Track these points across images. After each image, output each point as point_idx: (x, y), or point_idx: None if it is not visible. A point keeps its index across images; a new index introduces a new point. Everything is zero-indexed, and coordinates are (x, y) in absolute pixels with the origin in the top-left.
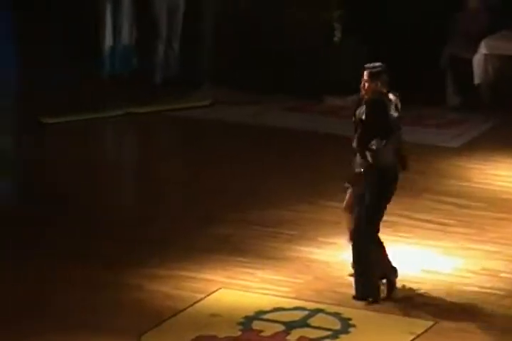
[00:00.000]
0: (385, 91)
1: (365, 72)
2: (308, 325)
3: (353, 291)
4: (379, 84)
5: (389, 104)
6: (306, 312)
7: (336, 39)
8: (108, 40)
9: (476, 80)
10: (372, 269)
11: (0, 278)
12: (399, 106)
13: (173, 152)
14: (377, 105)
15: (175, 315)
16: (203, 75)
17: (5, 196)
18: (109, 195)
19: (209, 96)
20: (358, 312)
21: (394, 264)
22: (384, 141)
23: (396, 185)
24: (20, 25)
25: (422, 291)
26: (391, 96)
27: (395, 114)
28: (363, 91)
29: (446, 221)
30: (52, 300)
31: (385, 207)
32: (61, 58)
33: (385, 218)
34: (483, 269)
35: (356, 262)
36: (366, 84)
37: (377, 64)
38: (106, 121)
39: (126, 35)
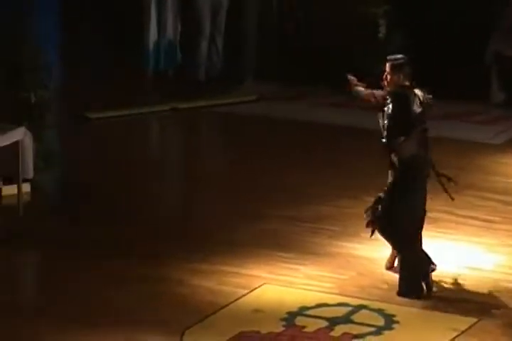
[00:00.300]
0: (407, 84)
1: (388, 64)
2: (351, 321)
3: (397, 287)
4: (401, 76)
5: (412, 98)
6: (350, 308)
7: (380, 35)
8: (153, 36)
9: None
10: (416, 265)
11: (50, 277)
12: (425, 100)
13: (217, 147)
14: (399, 98)
15: (218, 310)
16: (247, 71)
17: (50, 191)
18: (153, 190)
19: (254, 91)
20: (401, 309)
21: (433, 260)
22: (402, 138)
23: (425, 179)
24: (66, 22)
25: (465, 288)
26: (416, 90)
27: (418, 109)
28: (385, 84)
29: (490, 217)
30: (97, 295)
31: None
32: (106, 54)
33: (426, 214)
34: None
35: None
36: (388, 77)
37: (400, 56)
38: (150, 117)
39: (171, 31)
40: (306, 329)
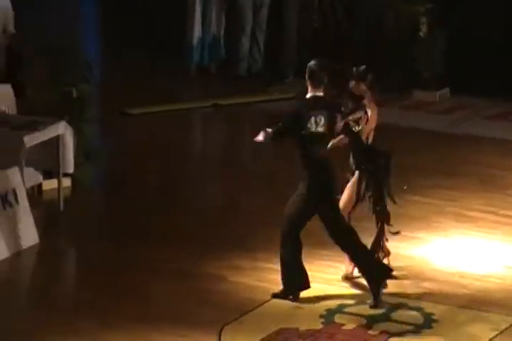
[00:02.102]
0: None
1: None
2: (390, 319)
3: (436, 286)
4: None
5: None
6: (389, 307)
7: (422, 33)
8: (197, 32)
9: None
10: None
11: (92, 271)
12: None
13: (257, 144)
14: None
15: (257, 307)
16: (288, 68)
17: (90, 186)
18: (194, 185)
19: (294, 88)
20: (440, 307)
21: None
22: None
23: None
24: (108, 17)
25: (504, 287)
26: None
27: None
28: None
29: None
30: (138, 290)
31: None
32: (149, 49)
33: (468, 213)
34: None
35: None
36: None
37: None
38: (191, 113)
39: (215, 27)
40: (344, 327)
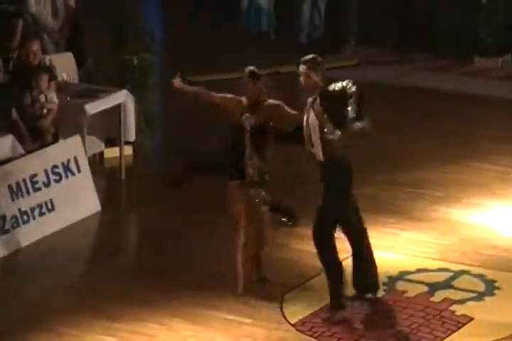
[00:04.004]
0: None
1: (304, 65)
2: (452, 287)
3: (498, 253)
4: (319, 75)
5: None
6: (451, 274)
7: (483, 1)
8: None
9: None
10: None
11: (153, 239)
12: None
13: None
14: (332, 95)
15: (320, 274)
16: (349, 35)
17: (151, 154)
18: None
19: (355, 56)
20: (502, 274)
21: None
22: (339, 132)
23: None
24: None
25: None
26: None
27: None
28: (305, 85)
29: None
30: (200, 257)
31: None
32: (205, 18)
33: None
34: None
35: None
36: (308, 77)
37: (313, 55)
38: None
39: None
40: (406, 294)
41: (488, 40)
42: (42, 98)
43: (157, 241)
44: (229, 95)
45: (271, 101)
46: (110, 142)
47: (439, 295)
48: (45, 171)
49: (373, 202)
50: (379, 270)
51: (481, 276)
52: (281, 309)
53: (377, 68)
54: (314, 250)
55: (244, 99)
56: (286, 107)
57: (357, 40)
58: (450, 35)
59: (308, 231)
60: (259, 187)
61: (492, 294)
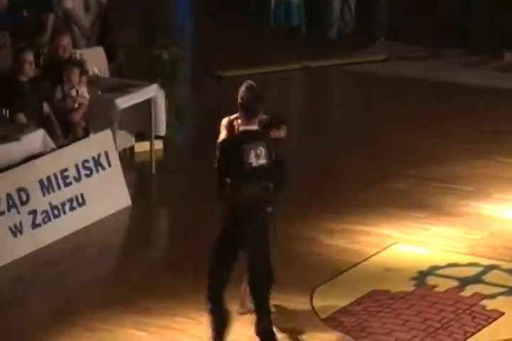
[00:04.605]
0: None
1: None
2: (482, 282)
3: None
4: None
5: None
6: (481, 269)
7: None
8: None
9: None
10: None
11: (182, 233)
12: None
13: (346, 106)
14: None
15: (348, 269)
16: (379, 31)
17: (181, 148)
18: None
19: (384, 51)
20: None
21: None
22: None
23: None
24: None
25: None
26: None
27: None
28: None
29: None
30: None
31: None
32: (234, 12)
33: None
34: None
35: None
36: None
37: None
38: (281, 75)
39: None
40: (436, 289)
41: None
42: (73, 92)
43: (187, 235)
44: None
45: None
46: (140, 136)
47: (469, 290)
48: (76, 166)
49: (404, 197)
50: (410, 264)
51: (511, 271)
52: (311, 304)
53: (408, 63)
54: (343, 244)
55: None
56: None
57: (387, 35)
58: (481, 30)
59: (335, 225)
60: None
61: None
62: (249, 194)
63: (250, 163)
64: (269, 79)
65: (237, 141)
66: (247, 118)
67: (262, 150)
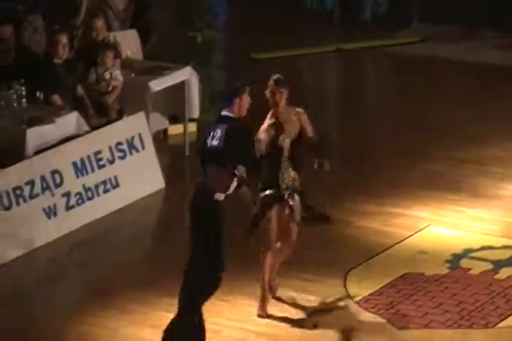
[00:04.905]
0: None
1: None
2: None
3: None
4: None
5: None
6: None
7: None
8: None
9: None
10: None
11: None
12: None
13: (380, 87)
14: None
15: (383, 251)
16: (413, 13)
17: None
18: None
19: (418, 32)
20: None
21: None
22: None
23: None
24: None
25: None
26: None
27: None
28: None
29: None
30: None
31: None
32: None
33: None
34: None
35: None
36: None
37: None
38: (315, 57)
39: None
40: (470, 272)
41: None
42: (107, 75)
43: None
44: (261, 135)
45: (297, 108)
46: (174, 119)
47: (503, 273)
48: (110, 148)
49: (439, 179)
50: (444, 247)
51: None
52: (345, 286)
53: (442, 45)
54: (378, 227)
55: (270, 119)
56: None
57: (422, 17)
58: None
59: (370, 208)
60: (293, 195)
61: None
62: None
63: (206, 144)
64: (304, 61)
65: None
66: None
67: (217, 132)
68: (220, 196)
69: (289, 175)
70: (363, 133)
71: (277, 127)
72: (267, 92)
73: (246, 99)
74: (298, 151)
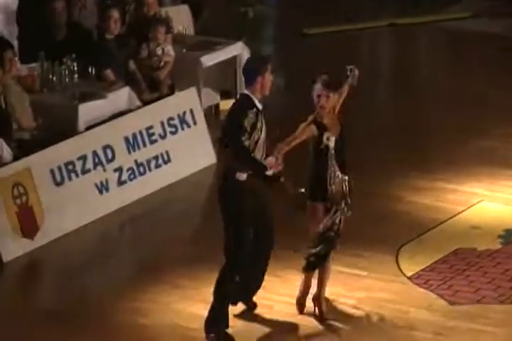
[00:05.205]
0: None
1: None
2: None
3: None
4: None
5: None
6: None
7: None
8: None
9: None
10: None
11: None
12: None
13: (434, 62)
14: None
15: (435, 226)
16: None
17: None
18: (370, 106)
19: (471, 7)
20: None
21: None
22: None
23: None
24: None
25: None
26: None
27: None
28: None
29: None
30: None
31: None
32: None
33: None
34: None
35: None
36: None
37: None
38: (367, 32)
39: None
40: None
41: None
42: (159, 50)
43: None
44: (301, 129)
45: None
46: (226, 94)
47: None
48: (161, 123)
49: (491, 155)
50: (496, 222)
51: None
52: (397, 262)
53: (495, 20)
54: (430, 202)
55: (315, 116)
56: None
57: None
58: None
59: (422, 183)
60: (344, 199)
61: None
62: None
63: None
64: (357, 36)
65: None
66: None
67: None
68: (241, 175)
69: (338, 180)
70: (417, 108)
71: (320, 125)
72: (313, 93)
73: (268, 78)
74: (345, 153)
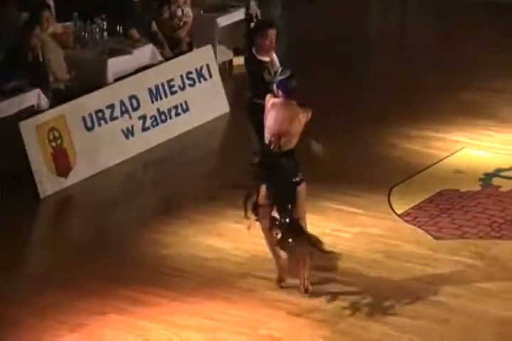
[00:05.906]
0: None
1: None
2: None
3: None
4: None
5: None
6: None
7: None
8: None
9: None
10: None
11: None
12: None
13: (423, 26)
14: None
15: (423, 170)
16: None
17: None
18: (370, 65)
19: None
20: None
21: None
22: None
23: None
24: None
25: None
26: None
27: None
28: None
29: None
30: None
31: None
32: None
33: None
34: None
35: None
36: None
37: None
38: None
39: None
40: (501, 189)
41: None
42: (179, 12)
43: None
44: None
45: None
46: (238, 51)
47: None
48: (181, 76)
49: (473, 108)
50: (477, 167)
51: None
52: (389, 201)
53: None
54: (419, 149)
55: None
56: None
57: None
58: None
59: (413, 132)
60: None
61: None
62: None
63: None
64: (364, 2)
65: None
66: None
67: None
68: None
69: None
70: (411, 69)
71: None
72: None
73: (266, 35)
74: None
